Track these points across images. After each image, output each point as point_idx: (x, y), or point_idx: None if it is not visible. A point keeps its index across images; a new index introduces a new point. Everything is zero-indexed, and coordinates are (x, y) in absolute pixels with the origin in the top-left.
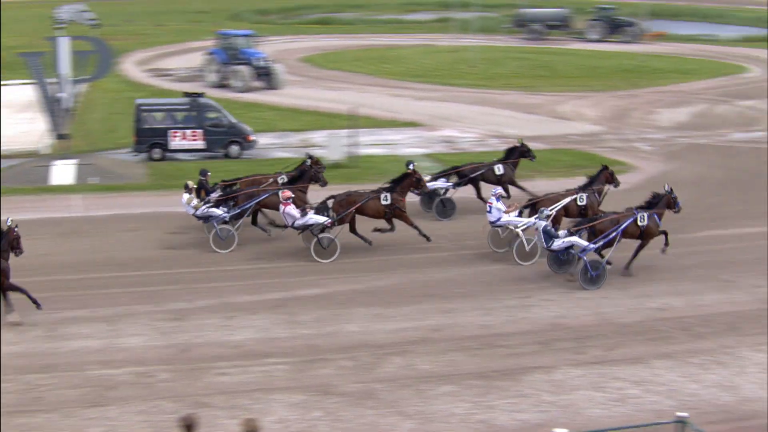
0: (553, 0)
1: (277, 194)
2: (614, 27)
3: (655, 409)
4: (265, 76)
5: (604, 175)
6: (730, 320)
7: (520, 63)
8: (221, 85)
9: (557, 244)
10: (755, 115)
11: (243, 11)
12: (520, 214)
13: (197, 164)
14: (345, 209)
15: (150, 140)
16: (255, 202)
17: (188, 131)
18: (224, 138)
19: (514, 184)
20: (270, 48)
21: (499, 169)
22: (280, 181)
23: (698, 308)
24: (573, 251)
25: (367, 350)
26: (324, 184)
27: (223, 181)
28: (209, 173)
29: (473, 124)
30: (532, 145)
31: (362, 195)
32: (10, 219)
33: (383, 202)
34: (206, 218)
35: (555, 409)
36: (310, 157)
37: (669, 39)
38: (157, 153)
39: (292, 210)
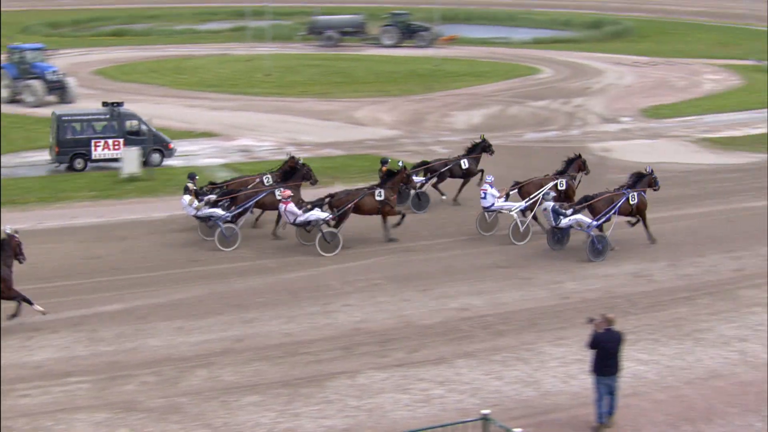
0: (346, 7)
1: (273, 194)
2: (408, 32)
3: (460, 407)
4: (58, 90)
5: (577, 164)
6: (530, 317)
7: (315, 70)
8: (13, 101)
9: (564, 221)
10: (547, 115)
11: (34, 24)
12: (507, 199)
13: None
14: (344, 205)
15: (72, 150)
16: (255, 201)
17: (110, 140)
18: (145, 147)
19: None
20: (62, 61)
21: (465, 163)
22: (266, 182)
23: (498, 306)
24: (578, 228)
25: (170, 364)
26: (315, 182)
27: (211, 183)
28: (197, 177)
29: (270, 132)
30: (328, 152)
31: (359, 192)
32: (9, 227)
33: (377, 198)
34: (207, 218)
35: (361, 414)
36: (292, 156)
37: (462, 42)
38: (79, 163)
39: (293, 208)
